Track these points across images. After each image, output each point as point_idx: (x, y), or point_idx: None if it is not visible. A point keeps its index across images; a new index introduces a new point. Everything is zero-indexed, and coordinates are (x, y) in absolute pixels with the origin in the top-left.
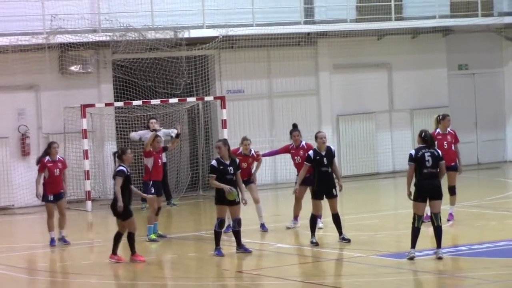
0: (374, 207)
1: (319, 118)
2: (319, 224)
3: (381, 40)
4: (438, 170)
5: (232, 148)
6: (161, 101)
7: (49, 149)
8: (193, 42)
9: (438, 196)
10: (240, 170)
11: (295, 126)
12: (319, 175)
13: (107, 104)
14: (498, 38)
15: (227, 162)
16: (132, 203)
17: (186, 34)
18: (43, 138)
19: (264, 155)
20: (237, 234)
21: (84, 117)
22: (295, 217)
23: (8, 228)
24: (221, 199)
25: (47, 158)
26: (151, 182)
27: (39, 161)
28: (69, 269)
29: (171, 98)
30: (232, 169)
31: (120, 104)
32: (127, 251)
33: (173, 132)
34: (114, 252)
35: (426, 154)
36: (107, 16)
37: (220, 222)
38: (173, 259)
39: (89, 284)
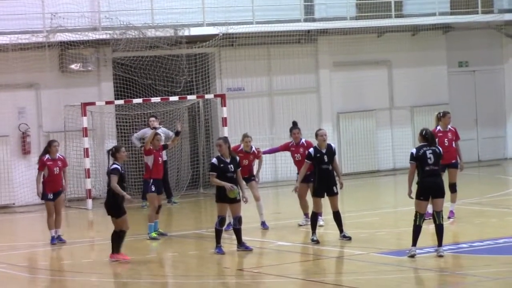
0: (375, 204)
1: (320, 116)
2: (320, 222)
3: (381, 37)
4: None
5: (232, 145)
6: (161, 99)
7: (49, 147)
8: (193, 40)
9: (440, 194)
10: (240, 168)
11: (295, 124)
12: (319, 172)
13: (107, 102)
14: (498, 35)
15: (228, 160)
16: (133, 202)
17: (186, 32)
18: (44, 136)
19: (265, 152)
20: (237, 232)
21: (85, 115)
22: (305, 215)
23: (9, 227)
24: (222, 197)
25: (47, 156)
26: (152, 180)
27: (39, 160)
28: (70, 267)
29: (171, 96)
30: (232, 167)
31: (121, 102)
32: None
33: (172, 135)
34: (113, 251)
35: (428, 152)
36: (107, 14)
37: (221, 220)
38: (174, 257)
39: (89, 282)
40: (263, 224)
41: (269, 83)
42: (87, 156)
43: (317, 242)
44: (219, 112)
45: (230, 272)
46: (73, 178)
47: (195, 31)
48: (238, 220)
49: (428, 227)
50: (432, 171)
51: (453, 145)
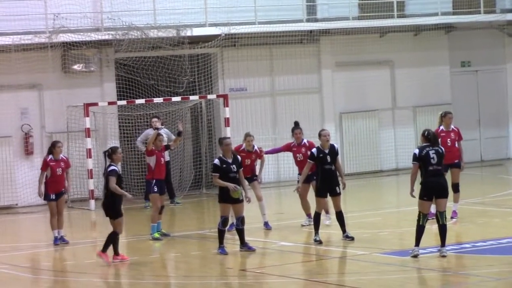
0: (377, 204)
1: (322, 116)
2: (327, 221)
3: (383, 37)
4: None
5: (235, 145)
6: (164, 100)
7: (53, 148)
8: (195, 41)
9: (444, 194)
10: (242, 168)
11: (296, 124)
12: (322, 173)
13: (110, 103)
14: (500, 35)
15: (230, 160)
16: (135, 201)
17: (188, 33)
18: (46, 137)
19: (267, 152)
20: (240, 232)
21: (87, 116)
22: (308, 215)
23: (12, 227)
24: (225, 197)
25: (50, 157)
26: (154, 180)
27: (43, 160)
28: (73, 268)
29: (173, 96)
30: (235, 167)
31: (123, 102)
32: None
33: (172, 139)
34: (116, 252)
35: (431, 152)
36: (110, 14)
37: (224, 220)
38: (177, 257)
39: (92, 283)
40: (265, 224)
41: (272, 84)
42: (90, 157)
43: (320, 242)
44: (221, 113)
45: (232, 272)
46: (76, 178)
47: (197, 32)
48: (241, 220)
49: (431, 227)
50: (436, 171)
51: (456, 145)
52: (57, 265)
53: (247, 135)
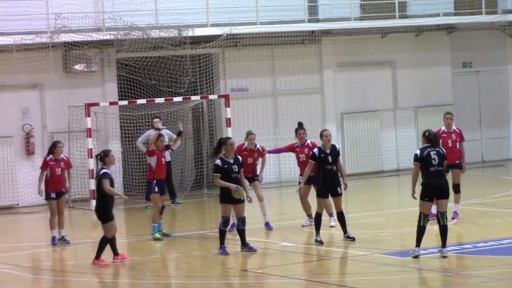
0: (379, 205)
1: (323, 116)
2: (332, 222)
3: (385, 38)
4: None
5: (236, 144)
6: (165, 100)
7: (54, 148)
8: (197, 41)
9: (445, 195)
10: (243, 168)
11: (300, 125)
12: (324, 173)
13: (111, 103)
14: (502, 36)
15: (231, 161)
16: (137, 202)
17: (190, 33)
18: (48, 137)
19: (269, 152)
20: (241, 233)
21: (89, 116)
22: (309, 216)
23: (13, 227)
24: (226, 198)
25: (50, 156)
26: (155, 181)
27: (43, 159)
28: (73, 268)
29: (175, 96)
30: (236, 167)
31: (125, 103)
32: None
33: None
34: (115, 253)
35: (432, 153)
36: (111, 14)
37: (225, 221)
38: (178, 257)
39: (93, 283)
40: (267, 224)
41: (273, 84)
42: (91, 157)
43: (321, 242)
44: (223, 113)
45: (234, 272)
46: (77, 178)
47: (199, 32)
48: (242, 220)
49: (432, 228)
50: (437, 172)
51: (457, 146)
52: (57, 265)
53: (249, 133)
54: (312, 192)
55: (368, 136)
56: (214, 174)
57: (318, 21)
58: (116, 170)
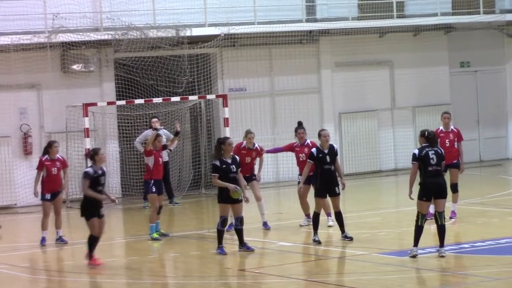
0: (376, 205)
1: (321, 116)
2: (330, 222)
3: (382, 37)
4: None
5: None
6: (163, 100)
7: (50, 148)
8: (195, 41)
9: (442, 195)
10: (240, 168)
11: (300, 124)
12: (322, 173)
13: (109, 103)
14: (500, 36)
15: (229, 161)
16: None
17: (188, 33)
18: (45, 137)
19: (268, 151)
20: (239, 233)
21: (86, 116)
22: (307, 215)
23: (10, 227)
24: (224, 198)
25: (46, 156)
26: (152, 181)
27: (39, 160)
28: (71, 268)
29: (173, 96)
30: (234, 167)
31: (122, 102)
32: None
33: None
34: (89, 255)
35: (430, 152)
36: (109, 14)
37: (223, 221)
38: (176, 257)
39: (91, 283)
40: (264, 224)
41: (271, 84)
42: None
43: (318, 242)
44: (220, 113)
45: (231, 272)
46: (75, 179)
47: (196, 32)
48: (240, 220)
49: (430, 227)
50: (435, 172)
51: (455, 145)
52: (55, 265)
53: (248, 132)
54: (311, 192)
55: (366, 136)
56: (212, 174)
57: (316, 21)
58: (114, 170)
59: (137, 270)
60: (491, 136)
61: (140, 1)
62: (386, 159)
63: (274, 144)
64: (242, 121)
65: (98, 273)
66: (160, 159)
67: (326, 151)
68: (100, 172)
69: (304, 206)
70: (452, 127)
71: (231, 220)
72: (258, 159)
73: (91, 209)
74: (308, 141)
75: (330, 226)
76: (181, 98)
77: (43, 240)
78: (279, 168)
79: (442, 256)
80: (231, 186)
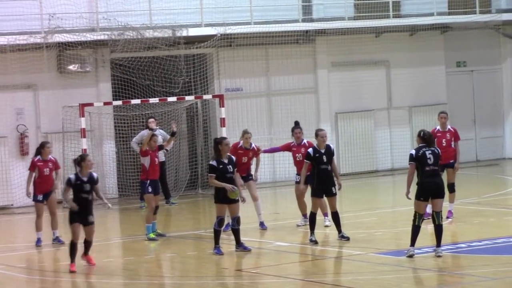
0: (373, 204)
1: (318, 116)
2: (326, 222)
3: (379, 37)
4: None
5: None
6: (159, 100)
7: (42, 148)
8: (191, 41)
9: (440, 195)
10: (237, 168)
11: (297, 124)
12: (318, 173)
13: (105, 103)
14: (496, 35)
15: (226, 161)
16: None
17: (184, 33)
18: (42, 137)
19: (265, 151)
20: (236, 233)
21: (83, 116)
22: (304, 215)
23: (7, 228)
24: (221, 198)
25: (38, 157)
26: (148, 181)
27: (31, 160)
28: (68, 269)
29: (169, 96)
30: (231, 168)
31: (119, 103)
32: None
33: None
34: (72, 260)
35: (427, 152)
36: (105, 15)
37: (220, 221)
38: (172, 257)
39: (87, 283)
40: (261, 224)
41: (267, 84)
42: None
43: (315, 242)
44: (217, 113)
45: (228, 272)
46: None
47: (193, 32)
48: (236, 220)
49: (427, 227)
50: (432, 172)
51: (452, 145)
52: (52, 265)
53: (245, 132)
54: (308, 192)
55: (363, 136)
56: (209, 175)
57: (312, 20)
58: (110, 171)
59: (134, 271)
60: (488, 136)
61: (136, 2)
62: (383, 159)
63: (271, 144)
64: (238, 121)
65: (95, 273)
66: (156, 159)
67: (323, 151)
68: (85, 179)
69: (302, 206)
70: (449, 126)
71: (227, 220)
72: (255, 159)
73: (74, 214)
74: (305, 141)
75: (326, 226)
76: (177, 98)
77: (38, 241)
78: (276, 168)
79: (439, 256)
80: (228, 186)
